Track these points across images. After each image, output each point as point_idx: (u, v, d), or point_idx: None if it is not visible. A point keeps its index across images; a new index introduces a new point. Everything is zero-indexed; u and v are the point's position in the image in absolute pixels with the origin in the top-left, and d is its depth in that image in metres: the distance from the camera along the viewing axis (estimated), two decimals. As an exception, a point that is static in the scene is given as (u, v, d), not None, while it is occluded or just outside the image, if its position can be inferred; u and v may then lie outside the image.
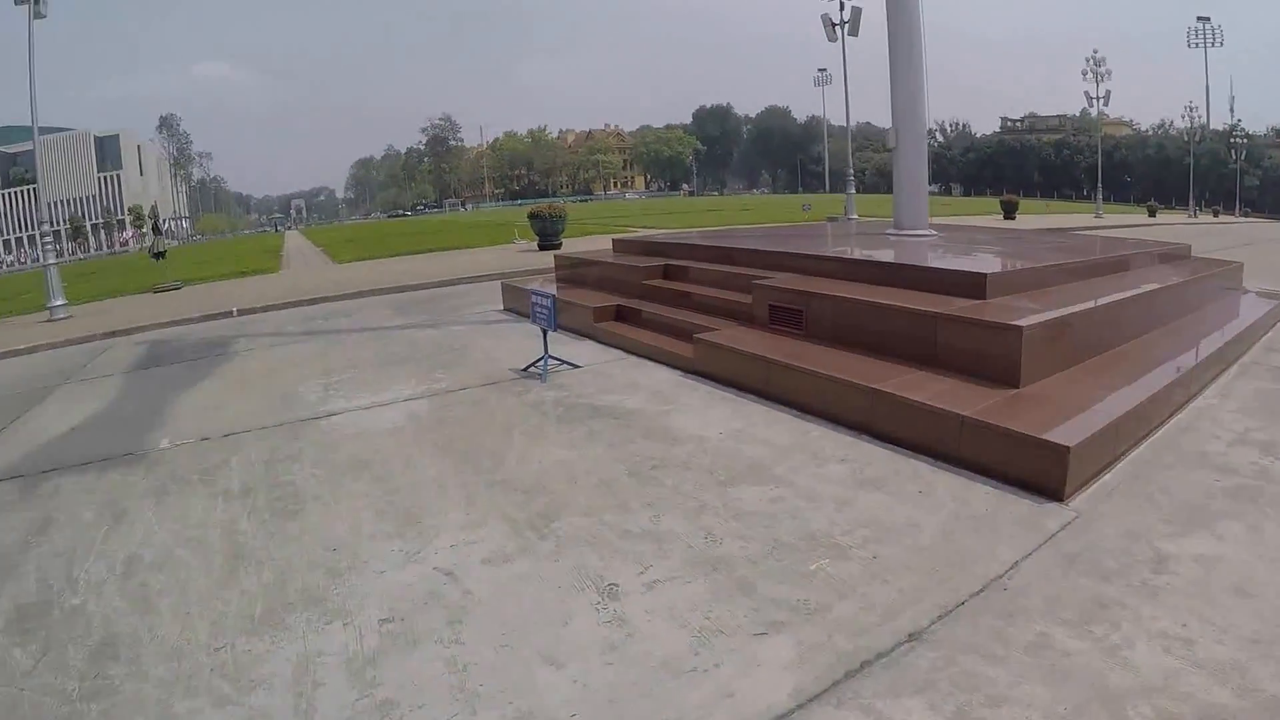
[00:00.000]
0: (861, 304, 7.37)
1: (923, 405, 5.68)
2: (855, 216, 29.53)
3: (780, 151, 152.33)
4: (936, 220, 11.75)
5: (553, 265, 14.93)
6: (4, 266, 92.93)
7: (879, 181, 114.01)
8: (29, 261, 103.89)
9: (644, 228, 33.52)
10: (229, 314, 17.07)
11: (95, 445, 7.64)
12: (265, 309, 17.42)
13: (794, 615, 3.69)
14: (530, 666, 3.53)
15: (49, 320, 19.35)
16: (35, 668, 3.85)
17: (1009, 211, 41.87)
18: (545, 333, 8.82)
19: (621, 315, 10.61)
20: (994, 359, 6.08)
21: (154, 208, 27.07)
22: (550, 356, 8.78)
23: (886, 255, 9.51)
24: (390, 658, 3.68)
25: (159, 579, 4.64)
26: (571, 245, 24.50)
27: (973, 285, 7.22)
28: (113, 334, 16.02)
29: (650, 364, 8.92)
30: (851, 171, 33.60)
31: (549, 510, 5.13)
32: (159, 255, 25.35)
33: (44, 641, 4.08)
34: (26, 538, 5.44)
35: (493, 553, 4.61)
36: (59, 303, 19.70)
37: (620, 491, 5.35)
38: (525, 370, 8.89)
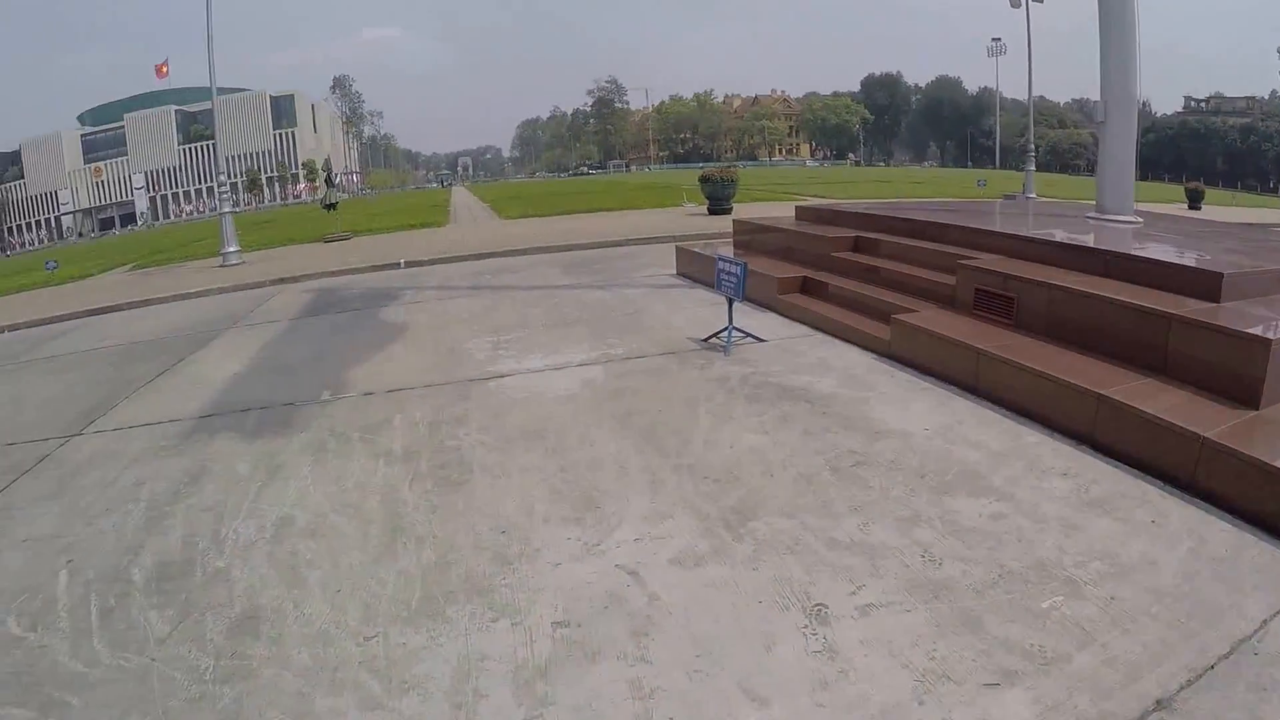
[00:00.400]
0: (1082, 296, 6.36)
1: (1156, 419, 4.75)
2: (1034, 195, 27.46)
3: (950, 123, 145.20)
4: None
5: (728, 230, 14.16)
6: (184, 215, 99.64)
7: (1051, 160, 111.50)
8: (207, 211, 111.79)
9: (813, 196, 32.33)
10: (396, 265, 17.28)
11: (254, 393, 7.61)
12: (432, 262, 17.54)
13: (1028, 663, 3.12)
14: (728, 699, 2.97)
15: (222, 265, 20.34)
16: (170, 635, 3.57)
17: (1194, 201, 37.79)
18: (731, 302, 8.17)
19: (807, 288, 9.84)
20: (1233, 373, 5.06)
21: (327, 161, 27.99)
22: (734, 328, 8.12)
23: (1101, 242, 8.33)
24: (564, 671, 3.18)
25: (310, 547, 4.31)
26: (741, 211, 23.72)
27: (1206, 285, 6.10)
28: (281, 280, 16.47)
29: (839, 343, 8.11)
30: (1032, 148, 31.21)
31: (744, 506, 4.51)
32: (330, 207, 26.21)
33: (182, 606, 3.81)
34: (178, 487, 5.29)
35: (682, 552, 4.03)
36: (232, 249, 20.58)
37: (822, 489, 4.67)
38: (706, 341, 8.27)
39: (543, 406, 6.46)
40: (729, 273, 8.07)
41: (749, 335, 8.25)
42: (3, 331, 14.23)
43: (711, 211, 24.70)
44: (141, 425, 6.84)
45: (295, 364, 8.69)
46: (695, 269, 12.31)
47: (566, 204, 33.20)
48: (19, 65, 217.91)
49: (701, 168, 27.62)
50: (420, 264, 17.40)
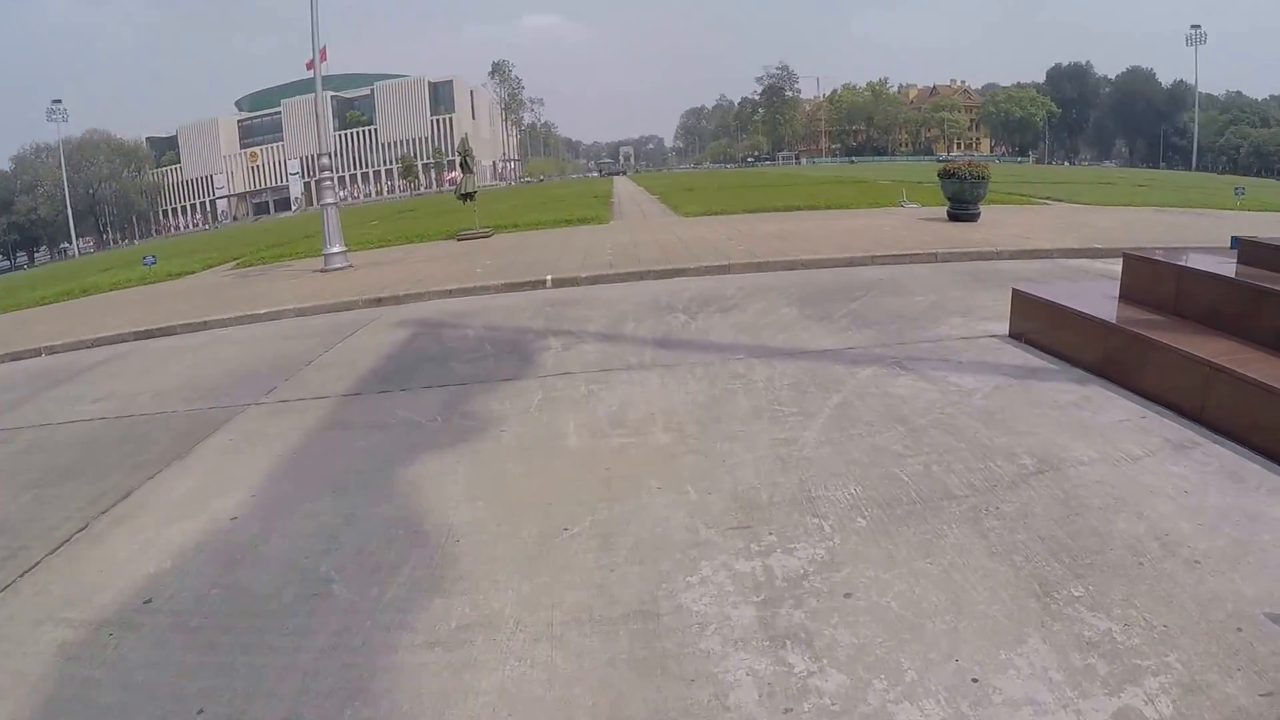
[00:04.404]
0: None
1: None
2: None
3: (1141, 119, 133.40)
4: None
5: (996, 246, 11.44)
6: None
7: (1254, 161, 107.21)
8: (361, 197, 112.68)
9: (1048, 199, 26.32)
10: (540, 284, 12.55)
11: None
12: (591, 280, 12.66)
13: None
14: None
15: (321, 270, 16.65)
16: None
17: None
18: None
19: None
20: None
21: (463, 141, 23.58)
22: None
23: None
24: None
25: None
26: (989, 218, 18.79)
27: None
28: (379, 301, 12.29)
29: None
30: None
31: None
32: (467, 197, 21.87)
33: None
34: None
35: None
36: (335, 250, 16.72)
37: None
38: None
39: None
40: None
41: None
42: (39, 354, 12.09)
43: (953, 217, 19.00)
44: None
45: (264, 600, 3.79)
46: (1059, 335, 7.13)
47: (753, 200, 27.64)
48: (179, 52, 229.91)
49: (950, 161, 21.74)
50: (575, 283, 12.54)
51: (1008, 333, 7.84)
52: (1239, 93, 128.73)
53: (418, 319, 10.56)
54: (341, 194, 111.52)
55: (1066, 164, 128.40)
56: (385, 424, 6.19)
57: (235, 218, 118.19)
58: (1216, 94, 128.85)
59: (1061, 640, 3.05)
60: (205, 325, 12.03)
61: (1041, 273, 11.42)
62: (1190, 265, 7.05)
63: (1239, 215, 20.53)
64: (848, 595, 3.40)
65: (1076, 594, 3.33)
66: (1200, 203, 26.17)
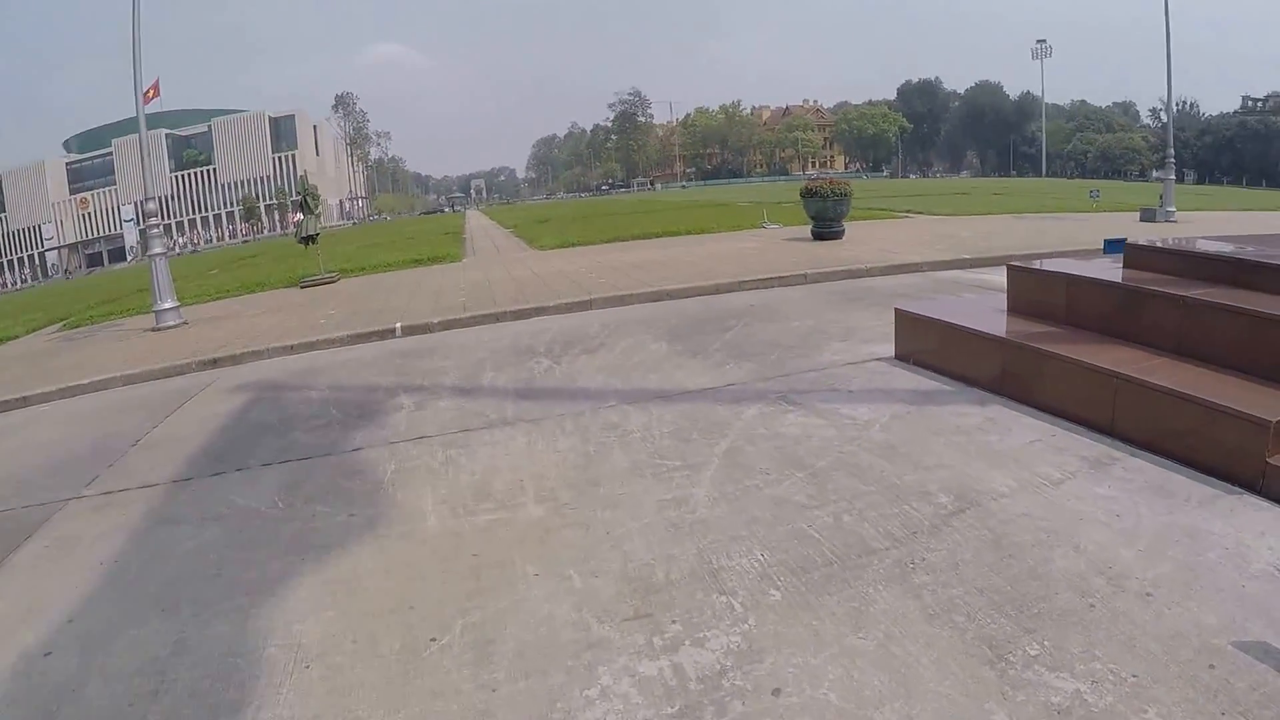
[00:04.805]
0: None
1: None
2: (1174, 209, 21.66)
3: (991, 131, 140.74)
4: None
5: (869, 264, 11.73)
6: (176, 249, 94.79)
7: (1101, 166, 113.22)
8: (201, 244, 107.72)
9: (909, 213, 27.62)
10: (390, 333, 11.84)
11: None
12: (444, 326, 12.02)
13: None
14: None
15: (152, 329, 15.28)
16: None
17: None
18: None
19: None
20: None
21: (302, 179, 22.44)
22: None
23: None
24: None
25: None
26: (854, 234, 19.29)
27: None
28: (214, 363, 11.27)
29: None
30: (1172, 154, 24.79)
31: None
32: (309, 240, 20.67)
33: None
34: None
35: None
36: (166, 305, 15.48)
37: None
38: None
39: None
40: None
41: None
42: None
43: (817, 236, 19.16)
44: None
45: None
46: (949, 354, 7.04)
47: (610, 229, 27.31)
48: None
49: (811, 180, 21.77)
50: (428, 330, 11.89)
51: (894, 354, 7.68)
52: (1084, 101, 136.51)
53: (256, 381, 9.69)
54: (180, 240, 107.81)
55: (920, 177, 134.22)
56: (220, 515, 5.40)
57: (68, 271, 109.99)
58: (1062, 103, 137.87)
59: (1029, 713, 2.72)
60: (25, 402, 10.73)
61: (916, 288, 11.41)
62: (1079, 273, 6.95)
63: (1097, 217, 21.33)
64: (776, 692, 2.94)
65: (1033, 652, 3.01)
66: (1056, 207, 27.33)
